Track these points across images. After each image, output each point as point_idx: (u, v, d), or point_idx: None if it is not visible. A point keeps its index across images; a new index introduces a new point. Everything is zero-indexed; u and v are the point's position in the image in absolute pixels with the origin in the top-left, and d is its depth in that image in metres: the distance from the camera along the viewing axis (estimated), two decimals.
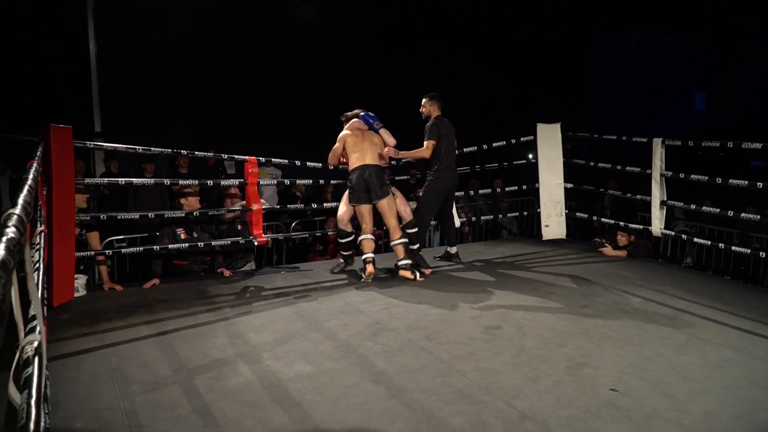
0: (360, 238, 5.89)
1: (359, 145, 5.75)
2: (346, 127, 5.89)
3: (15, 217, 1.53)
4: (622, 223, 6.83)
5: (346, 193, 5.99)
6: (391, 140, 5.82)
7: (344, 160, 5.90)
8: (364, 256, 5.83)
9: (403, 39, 12.10)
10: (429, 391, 3.38)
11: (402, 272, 5.72)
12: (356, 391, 3.38)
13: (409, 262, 5.74)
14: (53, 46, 9.81)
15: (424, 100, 6.06)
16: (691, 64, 15.47)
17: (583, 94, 14.69)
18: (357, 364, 3.75)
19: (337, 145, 5.87)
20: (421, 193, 6.01)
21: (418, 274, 5.73)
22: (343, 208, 6.04)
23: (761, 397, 3.35)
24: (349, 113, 5.98)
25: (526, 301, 5.02)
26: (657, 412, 3.15)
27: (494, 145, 7.06)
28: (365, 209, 5.76)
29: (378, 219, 5.95)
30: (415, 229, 5.96)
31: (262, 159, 5.97)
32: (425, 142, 5.89)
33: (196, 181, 6.09)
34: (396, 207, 5.85)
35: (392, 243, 5.80)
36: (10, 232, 1.38)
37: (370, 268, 5.74)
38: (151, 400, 3.25)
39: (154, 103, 10.49)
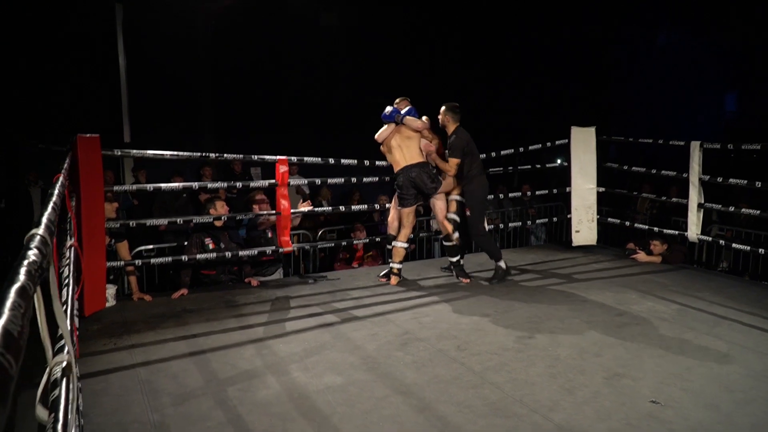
0: (393, 243, 5.87)
1: (394, 148, 5.71)
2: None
3: (38, 237, 1.48)
4: (656, 229, 6.66)
5: (395, 196, 5.96)
6: (417, 124, 5.68)
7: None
8: (392, 264, 5.79)
9: (431, 44, 12.04)
10: (462, 403, 3.29)
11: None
12: (387, 403, 3.31)
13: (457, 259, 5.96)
14: (84, 59, 9.94)
15: (442, 110, 5.83)
16: (721, 64, 15.16)
17: (610, 96, 14.46)
18: (387, 375, 3.68)
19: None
20: (468, 212, 5.81)
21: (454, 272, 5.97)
22: (393, 213, 6.02)
23: None
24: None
25: (559, 310, 4.91)
26: (701, 425, 3.02)
27: (530, 148, 6.97)
28: (410, 211, 5.76)
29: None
30: (452, 242, 5.95)
31: (294, 158, 5.91)
32: (451, 160, 5.71)
33: (225, 184, 6.09)
34: (445, 206, 5.88)
35: (444, 243, 5.97)
36: (32, 255, 1.32)
37: (394, 280, 5.78)
38: (180, 413, 3.21)
39: (181, 115, 10.57)
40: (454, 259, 5.97)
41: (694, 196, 6.10)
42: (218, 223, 5.73)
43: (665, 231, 6.57)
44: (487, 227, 6.50)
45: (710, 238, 6.43)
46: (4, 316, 0.92)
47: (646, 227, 6.93)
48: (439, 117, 5.84)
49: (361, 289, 5.62)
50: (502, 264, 5.82)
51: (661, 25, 14.97)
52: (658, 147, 6.66)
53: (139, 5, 9.99)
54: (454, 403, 3.29)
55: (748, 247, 5.92)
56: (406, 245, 5.88)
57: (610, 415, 3.13)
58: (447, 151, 5.82)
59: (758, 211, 5.79)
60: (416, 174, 5.59)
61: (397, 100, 5.81)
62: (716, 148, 6.12)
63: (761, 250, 5.81)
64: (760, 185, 5.53)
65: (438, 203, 5.86)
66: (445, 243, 6.04)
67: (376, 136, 5.79)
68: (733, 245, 6.10)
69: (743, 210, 6.05)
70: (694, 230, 6.17)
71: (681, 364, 3.77)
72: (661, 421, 3.06)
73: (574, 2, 12.94)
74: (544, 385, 3.51)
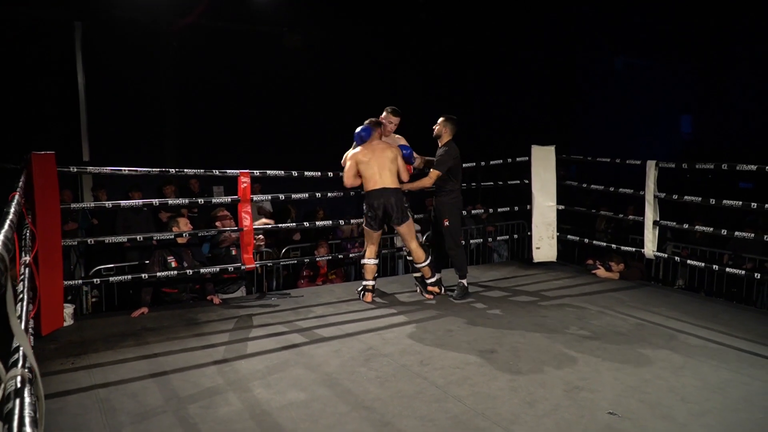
0: (362, 262, 5.87)
1: (373, 163, 5.56)
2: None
3: None
4: (614, 246, 6.81)
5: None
6: (406, 175, 5.75)
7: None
8: (364, 282, 5.82)
9: (395, 65, 12.16)
10: (424, 417, 3.30)
11: (431, 288, 5.84)
12: (350, 418, 3.30)
13: (435, 279, 5.86)
14: (42, 77, 9.76)
15: (440, 120, 5.87)
16: (677, 88, 15.64)
17: (569, 118, 14.77)
18: (350, 390, 3.67)
19: (349, 164, 5.65)
20: (447, 222, 5.82)
21: (443, 288, 5.93)
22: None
23: (761, 419, 3.31)
24: (376, 120, 5.76)
25: (521, 325, 4.97)
26: None
27: (491, 162, 7.09)
28: (377, 233, 5.75)
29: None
30: (426, 263, 5.82)
31: (256, 172, 5.85)
32: (432, 171, 5.78)
33: (187, 200, 6.02)
34: (414, 229, 5.80)
35: (418, 265, 5.80)
36: None
37: (368, 297, 5.76)
38: (139, 431, 3.16)
39: (142, 133, 10.42)
40: (418, 275, 5.99)
41: (650, 214, 6.26)
42: (181, 241, 5.67)
43: (623, 248, 6.72)
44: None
45: (666, 255, 6.59)
46: None
47: (605, 244, 7.07)
48: (436, 127, 5.87)
49: (325, 306, 5.59)
50: (464, 282, 5.90)
51: (619, 50, 15.38)
52: (620, 167, 6.83)
53: (99, 23, 9.87)
54: (417, 417, 3.30)
55: (703, 264, 6.09)
56: (375, 261, 5.84)
57: (569, 427, 3.18)
58: (432, 160, 5.87)
59: (711, 229, 5.96)
60: (388, 198, 5.53)
61: (385, 113, 5.87)
62: (671, 167, 6.30)
63: (715, 267, 5.99)
64: (714, 202, 5.71)
65: (404, 228, 5.72)
66: (417, 265, 5.87)
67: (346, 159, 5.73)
68: (689, 262, 6.26)
69: (697, 227, 6.23)
70: (650, 247, 6.32)
71: (638, 377, 3.85)
72: None
73: (536, 27, 13.22)
74: (505, 398, 3.54)
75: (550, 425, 3.20)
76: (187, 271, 5.51)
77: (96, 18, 9.85)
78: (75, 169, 5.21)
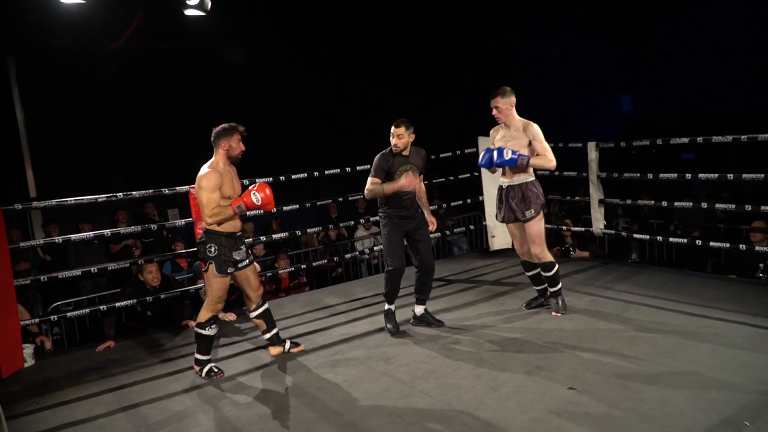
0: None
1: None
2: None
3: None
4: (564, 227, 7.01)
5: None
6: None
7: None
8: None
9: (333, 72, 12.19)
10: (392, 414, 3.39)
11: (271, 349, 4.59)
12: (320, 423, 3.36)
13: (273, 333, 4.58)
14: None
15: (405, 129, 4.74)
16: (615, 69, 16.11)
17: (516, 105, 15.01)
18: (319, 396, 3.73)
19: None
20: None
21: (287, 346, 4.61)
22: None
23: (710, 377, 3.47)
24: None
25: (482, 313, 5.09)
26: (614, 403, 3.23)
27: (441, 155, 7.15)
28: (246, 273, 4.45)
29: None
30: (553, 272, 4.84)
31: None
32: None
33: (139, 227, 5.95)
34: (254, 277, 4.44)
35: (251, 313, 4.55)
36: None
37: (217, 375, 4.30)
38: None
39: (89, 162, 10.25)
40: (554, 288, 4.94)
41: (595, 194, 6.47)
42: (150, 287, 5.60)
43: (573, 229, 6.92)
44: None
45: (613, 232, 6.80)
46: None
47: (557, 227, 7.26)
48: (403, 138, 4.74)
49: (288, 318, 5.61)
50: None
51: (557, 36, 15.75)
52: (565, 150, 7.01)
53: (33, 55, 9.69)
54: (385, 414, 3.38)
55: (648, 236, 6.31)
56: (252, 313, 4.50)
57: (531, 406, 3.30)
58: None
59: (653, 202, 6.19)
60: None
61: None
62: (610, 146, 6.52)
63: (659, 238, 6.22)
64: (651, 177, 5.93)
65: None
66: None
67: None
68: (635, 235, 6.49)
69: (640, 201, 6.46)
70: (598, 225, 6.53)
71: (594, 351, 4.00)
72: (578, 405, 3.25)
73: (472, 15, 13.36)
74: (469, 386, 3.65)
75: (513, 406, 3.32)
76: (148, 298, 5.46)
77: (29, 51, 9.67)
78: (20, 206, 5.13)
